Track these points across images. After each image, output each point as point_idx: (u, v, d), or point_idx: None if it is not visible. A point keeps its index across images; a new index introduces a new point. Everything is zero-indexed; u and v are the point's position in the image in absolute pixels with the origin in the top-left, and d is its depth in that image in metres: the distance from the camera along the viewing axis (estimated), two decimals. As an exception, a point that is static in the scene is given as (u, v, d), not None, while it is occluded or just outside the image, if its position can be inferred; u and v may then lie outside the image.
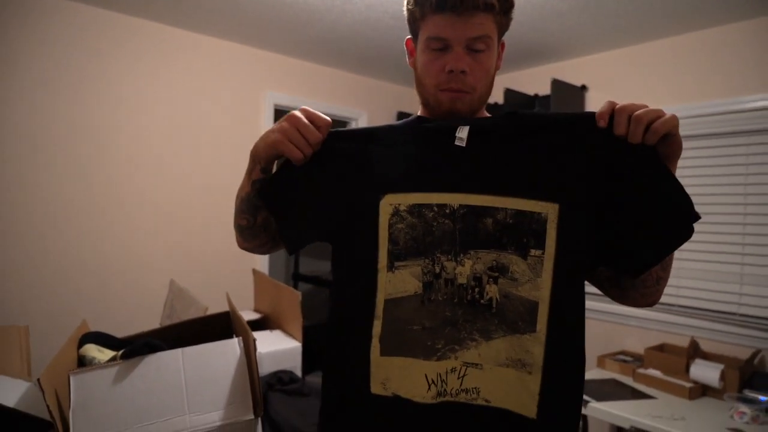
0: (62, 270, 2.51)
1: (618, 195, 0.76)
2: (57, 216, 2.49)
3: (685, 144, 3.03)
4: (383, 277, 0.82)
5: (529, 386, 0.77)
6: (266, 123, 3.24)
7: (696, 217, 0.75)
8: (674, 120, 0.73)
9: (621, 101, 0.78)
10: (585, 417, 2.36)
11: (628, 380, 2.41)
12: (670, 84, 2.64)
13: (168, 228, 2.86)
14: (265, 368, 2.02)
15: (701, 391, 2.23)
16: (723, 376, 2.17)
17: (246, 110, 3.17)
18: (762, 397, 2.03)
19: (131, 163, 2.72)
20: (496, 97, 3.39)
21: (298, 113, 0.87)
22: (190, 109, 2.93)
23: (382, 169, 0.86)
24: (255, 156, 0.92)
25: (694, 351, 2.39)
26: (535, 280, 0.78)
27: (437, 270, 0.81)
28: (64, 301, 2.50)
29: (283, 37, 2.92)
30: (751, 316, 2.36)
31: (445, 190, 0.81)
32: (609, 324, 2.83)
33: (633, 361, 2.56)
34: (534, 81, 3.29)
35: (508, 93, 3.13)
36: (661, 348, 2.52)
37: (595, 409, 2.11)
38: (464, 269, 0.80)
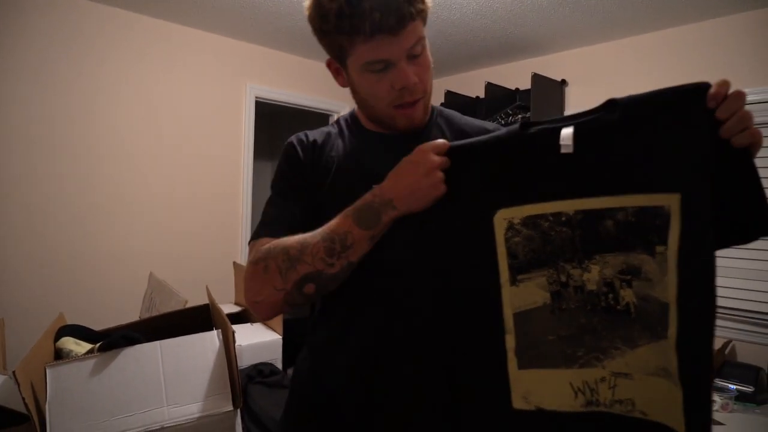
0: (39, 262, 2.47)
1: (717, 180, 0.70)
2: (33, 209, 2.45)
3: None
4: (507, 291, 0.80)
5: (675, 397, 0.71)
6: (247, 115, 3.22)
7: (766, 231, 0.71)
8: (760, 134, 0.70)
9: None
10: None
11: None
12: (651, 79, 2.68)
13: (147, 220, 2.83)
14: (245, 361, 2.02)
15: (674, 380, 2.28)
16: (695, 366, 2.23)
17: (227, 103, 3.14)
18: (731, 386, 2.09)
19: (109, 156, 2.68)
20: (478, 91, 3.41)
21: (427, 148, 0.82)
22: (170, 102, 2.89)
23: (491, 185, 0.82)
24: (404, 207, 0.81)
25: (668, 341, 2.45)
26: (663, 280, 0.72)
27: (563, 279, 0.78)
28: (41, 293, 2.47)
29: (264, 29, 2.89)
30: (723, 308, 2.42)
31: (557, 198, 0.78)
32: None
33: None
34: (515, 75, 3.32)
35: (489, 87, 3.15)
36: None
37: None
38: (592, 275, 0.77)
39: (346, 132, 0.96)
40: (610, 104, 0.76)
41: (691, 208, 0.70)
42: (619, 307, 0.75)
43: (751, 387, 2.07)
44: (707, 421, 0.71)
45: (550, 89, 3.02)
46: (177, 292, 1.76)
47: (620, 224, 0.74)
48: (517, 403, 0.79)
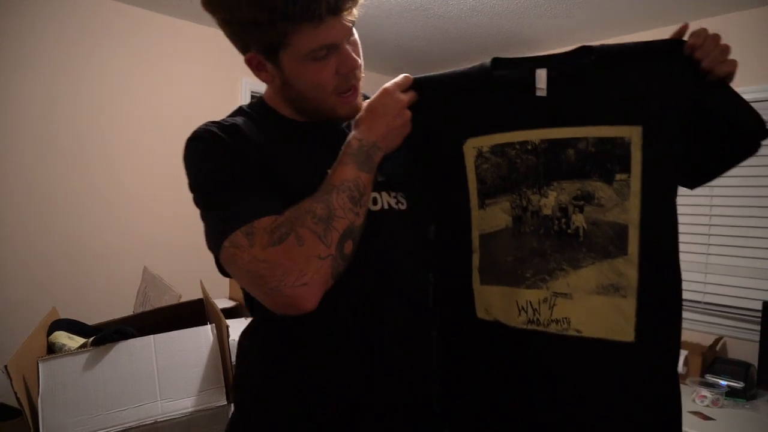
0: (31, 255, 2.46)
1: (698, 117, 0.78)
2: (26, 201, 2.43)
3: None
4: (475, 214, 0.87)
5: (624, 310, 0.78)
6: (242, 109, 3.20)
7: (766, 134, 0.78)
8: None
9: None
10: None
11: (596, 366, 2.48)
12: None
13: (141, 214, 2.82)
14: (239, 355, 2.01)
15: (666, 376, 2.30)
16: (687, 362, 2.25)
17: (221, 97, 3.12)
18: (722, 382, 2.11)
19: (100, 150, 2.66)
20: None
21: (392, 88, 0.86)
22: (165, 96, 2.87)
23: (461, 116, 0.88)
24: (386, 146, 0.84)
25: (660, 338, 2.46)
26: (622, 204, 0.78)
27: (524, 204, 0.84)
28: (33, 287, 2.45)
29: (260, 23, 2.86)
30: (715, 304, 2.44)
31: (525, 128, 0.83)
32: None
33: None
34: (511, 72, 3.31)
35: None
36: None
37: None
38: (548, 201, 0.82)
39: (265, 123, 0.88)
40: (585, 49, 0.83)
41: (654, 139, 0.77)
42: (569, 231, 0.81)
43: (741, 383, 2.09)
44: (667, 331, 0.80)
45: (546, 86, 3.02)
46: (171, 286, 1.76)
47: (580, 153, 0.80)
48: (480, 314, 0.88)
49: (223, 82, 3.12)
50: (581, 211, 0.81)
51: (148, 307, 1.83)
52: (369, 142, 0.82)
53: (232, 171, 0.79)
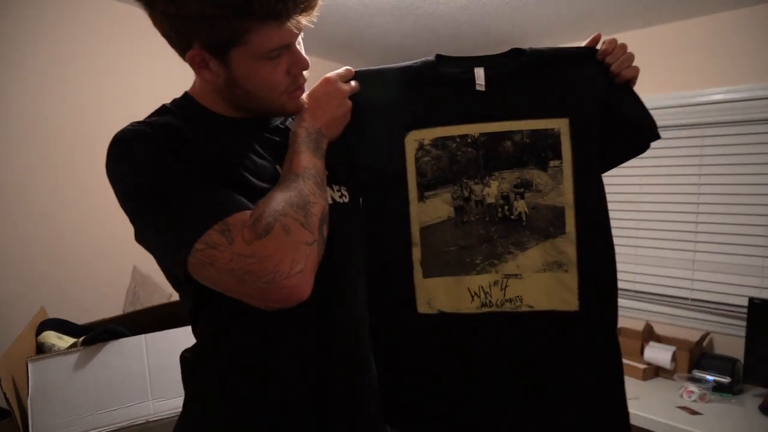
0: (19, 254, 2.43)
1: (605, 113, 0.89)
2: (13, 198, 2.40)
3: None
4: (415, 207, 0.90)
5: (567, 283, 0.88)
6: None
7: (656, 137, 0.90)
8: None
9: None
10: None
11: (586, 363, 2.50)
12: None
13: (130, 214, 2.79)
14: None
15: (654, 372, 2.33)
16: (674, 358, 2.28)
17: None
18: (709, 377, 2.14)
19: (88, 145, 2.63)
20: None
21: (334, 78, 0.87)
22: (152, 91, 2.84)
23: (402, 109, 0.92)
24: (330, 134, 0.86)
25: (649, 334, 2.49)
26: (558, 188, 0.88)
27: (466, 194, 0.90)
28: (21, 287, 2.42)
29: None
30: (702, 301, 2.46)
31: (465, 122, 0.90)
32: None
33: (591, 344, 2.66)
34: (500, 70, 3.33)
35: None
36: (619, 332, 2.62)
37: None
38: (491, 190, 0.90)
39: (197, 121, 0.83)
40: (516, 51, 0.93)
41: (580, 129, 0.88)
42: (512, 216, 0.89)
43: (728, 378, 2.12)
44: (606, 299, 0.89)
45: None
46: (161, 286, 1.75)
47: (517, 144, 0.89)
48: (422, 308, 0.90)
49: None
50: (522, 197, 0.89)
51: (138, 307, 1.82)
52: (315, 130, 0.83)
53: (181, 171, 0.72)
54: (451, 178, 0.90)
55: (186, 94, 0.90)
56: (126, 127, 0.79)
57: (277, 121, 0.91)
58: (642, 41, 2.69)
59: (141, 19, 0.82)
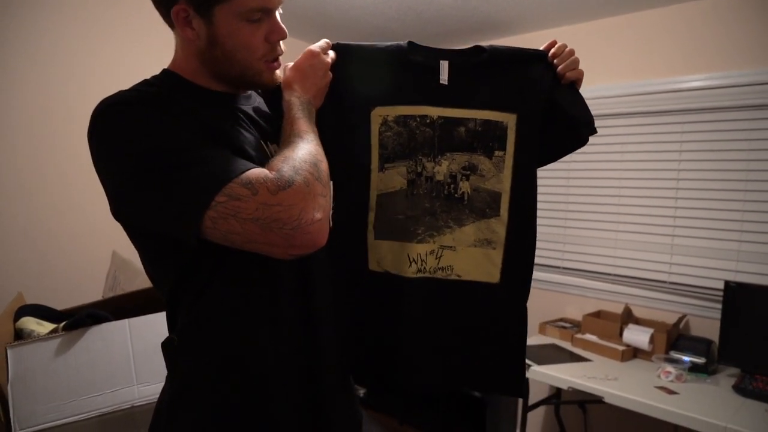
0: (-8, 241, 2.37)
1: (551, 109, 0.98)
2: (-15, 184, 2.33)
3: (621, 121, 3.10)
4: (375, 176, 0.99)
5: (493, 259, 0.99)
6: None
7: (593, 131, 0.98)
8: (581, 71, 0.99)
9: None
10: (528, 372, 2.47)
11: (566, 345, 2.55)
12: (607, 63, 2.73)
13: (108, 198, 2.73)
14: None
15: (632, 353, 2.38)
16: (652, 340, 2.33)
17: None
18: (685, 358, 2.20)
19: (68, 130, 2.57)
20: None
21: (318, 50, 0.91)
22: (138, 75, 2.78)
23: (372, 85, 0.98)
24: (316, 104, 0.91)
25: (628, 317, 2.54)
26: (498, 176, 0.98)
27: (419, 170, 0.98)
28: (-4, 273, 2.37)
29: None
30: (679, 284, 2.52)
31: (426, 104, 0.97)
32: (551, 293, 2.96)
33: (572, 327, 2.70)
34: (484, 55, 3.31)
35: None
36: (598, 314, 2.67)
37: (536, 372, 2.22)
38: (441, 168, 0.98)
39: (179, 93, 0.84)
40: (478, 48, 1.00)
41: (525, 126, 0.97)
42: (456, 195, 0.99)
43: (703, 358, 2.18)
44: (523, 275, 1.01)
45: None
46: (143, 270, 1.71)
47: (470, 131, 0.98)
48: (372, 266, 1.00)
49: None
50: (467, 179, 0.98)
51: (118, 291, 1.79)
52: (306, 100, 0.88)
53: (186, 133, 0.74)
54: (408, 154, 0.98)
55: (166, 70, 0.91)
56: (114, 94, 0.78)
57: (256, 102, 0.96)
58: (624, 27, 2.70)
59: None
